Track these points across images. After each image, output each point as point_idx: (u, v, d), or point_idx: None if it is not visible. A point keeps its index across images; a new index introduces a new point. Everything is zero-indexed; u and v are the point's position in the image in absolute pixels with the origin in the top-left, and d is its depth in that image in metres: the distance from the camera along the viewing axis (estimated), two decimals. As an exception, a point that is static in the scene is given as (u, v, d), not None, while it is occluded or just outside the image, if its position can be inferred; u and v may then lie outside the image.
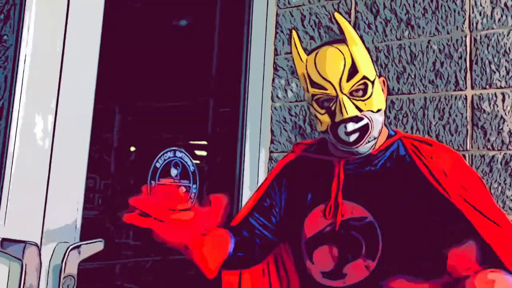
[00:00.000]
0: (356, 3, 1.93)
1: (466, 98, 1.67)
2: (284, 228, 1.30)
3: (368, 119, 1.14)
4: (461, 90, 1.69)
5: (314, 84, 1.16)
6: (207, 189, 1.80)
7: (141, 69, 1.66)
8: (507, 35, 1.64)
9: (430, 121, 1.72)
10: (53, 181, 1.23)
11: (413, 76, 1.78)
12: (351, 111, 1.11)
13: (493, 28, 1.67)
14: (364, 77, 1.14)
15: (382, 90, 1.21)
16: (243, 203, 1.93)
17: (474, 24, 1.70)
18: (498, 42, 1.65)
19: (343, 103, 1.11)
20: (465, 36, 1.71)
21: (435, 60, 1.74)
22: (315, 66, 1.16)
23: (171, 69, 1.78)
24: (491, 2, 1.68)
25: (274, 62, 2.08)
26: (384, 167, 1.20)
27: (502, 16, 1.66)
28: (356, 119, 1.12)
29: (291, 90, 2.02)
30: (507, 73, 1.62)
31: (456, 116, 1.68)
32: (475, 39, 1.69)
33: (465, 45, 1.70)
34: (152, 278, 1.66)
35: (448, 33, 1.74)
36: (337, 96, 1.13)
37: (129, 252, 1.63)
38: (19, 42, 1.22)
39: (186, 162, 1.70)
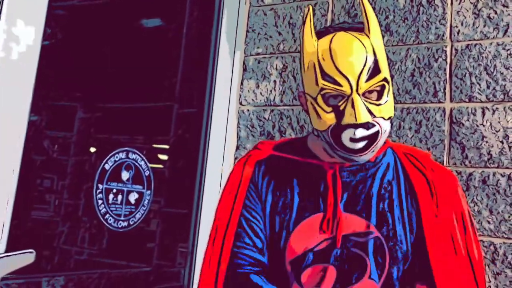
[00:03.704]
0: (333, 5, 1.82)
1: (444, 111, 1.58)
2: (268, 243, 1.09)
3: (379, 126, 0.98)
4: (440, 102, 1.60)
5: (326, 77, 0.98)
6: (163, 196, 1.65)
7: (104, 69, 1.54)
8: (489, 47, 1.56)
9: (406, 133, 1.62)
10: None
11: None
12: (365, 117, 0.95)
13: (475, 39, 1.59)
14: (385, 79, 0.99)
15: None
16: (203, 213, 1.78)
17: (456, 34, 1.62)
18: (480, 54, 1.57)
19: (357, 106, 0.94)
20: (446, 46, 1.62)
21: (414, 69, 1.65)
22: (331, 56, 0.98)
23: (134, 68, 1.64)
24: (474, 13, 1.60)
25: (244, 63, 1.95)
26: (383, 177, 1.07)
27: (484, 27, 1.58)
28: (367, 126, 0.96)
29: (261, 93, 1.89)
30: (488, 87, 1.54)
31: (434, 129, 1.58)
32: (456, 50, 1.61)
33: (446, 55, 1.62)
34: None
35: (428, 41, 1.65)
36: (350, 95, 0.96)
37: (73, 263, 1.45)
38: None
39: (140, 165, 1.54)
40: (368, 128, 0.96)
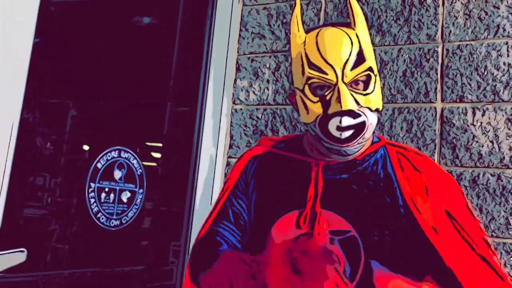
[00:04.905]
0: (326, 5, 1.83)
1: (436, 111, 1.60)
2: (249, 235, 1.11)
3: (366, 116, 0.99)
4: (431, 102, 1.61)
5: (312, 66, 1.00)
6: (156, 194, 1.65)
7: (97, 67, 1.53)
8: (480, 48, 1.57)
9: (398, 133, 1.63)
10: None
11: (382, 85, 1.69)
12: (350, 104, 0.96)
13: (466, 40, 1.60)
14: (370, 69, 1.01)
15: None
16: (195, 211, 1.78)
17: (447, 35, 1.63)
18: (471, 55, 1.58)
19: (342, 93, 0.96)
20: (437, 46, 1.64)
21: (406, 69, 1.66)
22: (317, 46, 1.01)
23: (128, 66, 1.64)
24: (465, 13, 1.61)
25: (237, 62, 1.95)
26: (369, 176, 1.07)
27: (475, 28, 1.59)
28: (353, 114, 0.98)
29: (254, 92, 1.89)
30: (478, 87, 1.56)
31: (425, 129, 1.60)
32: (447, 50, 1.62)
33: (437, 56, 1.63)
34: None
35: (420, 42, 1.66)
36: (336, 84, 0.98)
37: (66, 261, 1.45)
38: None
39: (133, 164, 1.54)
40: (354, 117, 0.98)
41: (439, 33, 1.64)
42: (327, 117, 0.99)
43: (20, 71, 1.22)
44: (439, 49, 1.63)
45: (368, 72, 1.00)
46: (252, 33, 1.94)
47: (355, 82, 1.00)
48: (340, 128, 0.98)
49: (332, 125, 0.98)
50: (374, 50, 1.70)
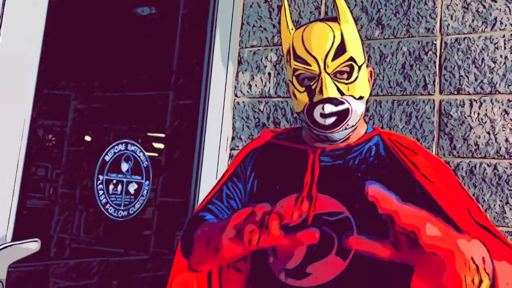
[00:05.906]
0: (326, -1, 1.86)
1: (434, 103, 1.63)
2: None
3: (349, 104, 1.06)
4: (429, 94, 1.64)
5: (297, 58, 1.07)
6: (161, 186, 1.69)
7: (99, 57, 1.56)
8: (477, 41, 1.61)
9: (397, 124, 1.67)
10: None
11: (381, 78, 1.72)
12: (332, 92, 1.03)
13: (464, 33, 1.63)
14: (351, 59, 1.06)
15: (368, 80, 1.13)
16: (199, 201, 1.82)
17: (445, 28, 1.66)
18: (469, 48, 1.61)
19: (325, 82, 1.03)
20: (436, 39, 1.67)
21: (405, 62, 1.70)
22: (302, 39, 1.08)
23: (130, 58, 1.67)
24: (463, 7, 1.64)
25: (239, 55, 1.98)
26: (362, 161, 1.12)
27: (473, 21, 1.62)
28: (336, 102, 1.04)
29: (256, 85, 1.93)
30: (476, 79, 1.59)
31: (423, 121, 1.64)
32: (445, 43, 1.65)
33: (435, 49, 1.66)
34: (97, 281, 1.53)
35: (419, 35, 1.69)
36: (319, 74, 1.05)
37: (75, 251, 1.50)
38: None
39: (139, 157, 1.58)
40: (336, 105, 1.04)
41: (437, 26, 1.67)
42: (312, 105, 1.06)
43: (31, 67, 1.25)
44: (437, 42, 1.66)
45: (350, 62, 1.06)
46: (254, 27, 1.97)
47: (339, 72, 1.06)
48: (324, 115, 1.04)
49: (317, 112, 1.05)
50: (374, 43, 1.74)
